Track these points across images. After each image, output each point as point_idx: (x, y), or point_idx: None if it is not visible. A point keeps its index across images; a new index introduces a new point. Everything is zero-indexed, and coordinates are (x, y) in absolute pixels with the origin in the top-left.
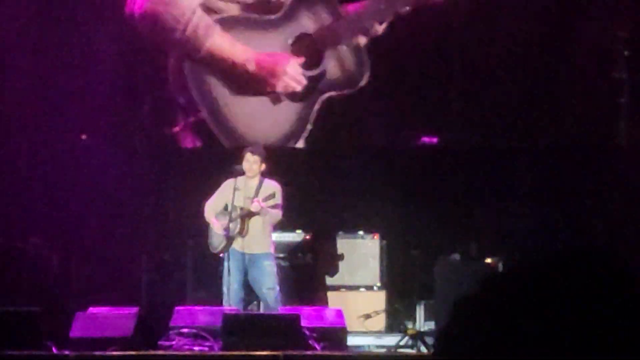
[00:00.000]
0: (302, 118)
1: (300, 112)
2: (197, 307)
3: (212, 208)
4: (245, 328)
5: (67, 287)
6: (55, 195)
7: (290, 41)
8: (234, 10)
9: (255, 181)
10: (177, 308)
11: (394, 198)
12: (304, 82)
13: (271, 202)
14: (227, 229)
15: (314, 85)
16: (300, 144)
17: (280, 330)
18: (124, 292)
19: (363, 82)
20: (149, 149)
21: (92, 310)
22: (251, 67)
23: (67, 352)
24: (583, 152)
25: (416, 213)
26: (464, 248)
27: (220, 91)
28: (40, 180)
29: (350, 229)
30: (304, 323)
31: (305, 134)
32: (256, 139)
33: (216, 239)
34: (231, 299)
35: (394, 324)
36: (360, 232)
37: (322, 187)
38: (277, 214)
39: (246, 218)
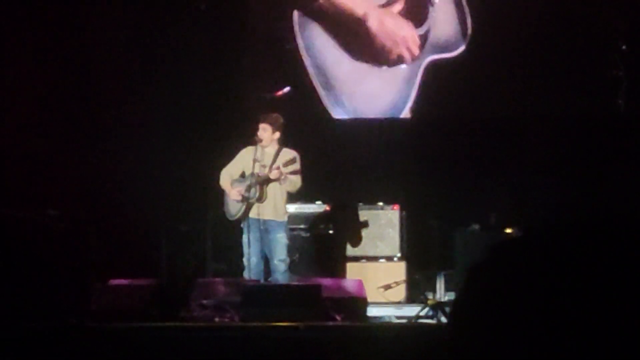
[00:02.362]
0: (408, 84)
1: (406, 78)
2: (217, 279)
3: (228, 175)
4: (266, 299)
5: (86, 259)
6: (72, 167)
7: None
8: None
9: (271, 149)
10: (197, 280)
11: (414, 169)
12: (418, 52)
13: (291, 168)
14: (244, 196)
15: (422, 46)
16: (405, 114)
17: (300, 301)
18: (144, 264)
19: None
20: (164, 119)
21: (111, 282)
22: (372, 23)
23: (87, 324)
24: (592, 122)
25: (436, 184)
26: (483, 218)
27: (330, 50)
28: (57, 151)
29: (370, 200)
30: (324, 294)
31: (410, 103)
32: (360, 106)
33: (232, 206)
34: (251, 271)
35: (414, 294)
36: (380, 203)
37: (342, 158)
38: (297, 180)
39: (264, 184)
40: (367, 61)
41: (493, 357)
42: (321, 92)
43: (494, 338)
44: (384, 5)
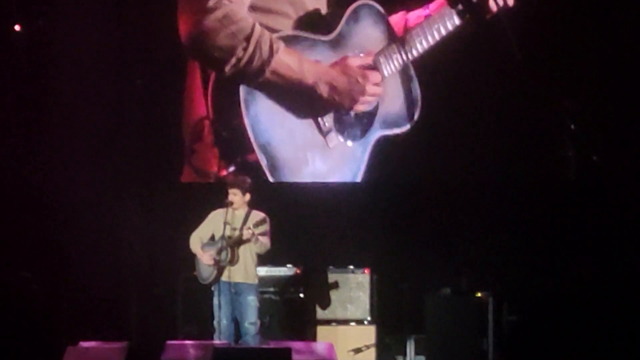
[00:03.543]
0: (356, 162)
1: (355, 156)
2: (188, 341)
3: (198, 238)
4: None
5: (58, 321)
6: (44, 229)
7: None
8: (286, 25)
9: (242, 212)
10: (168, 342)
11: (384, 232)
12: (380, 92)
13: (261, 228)
14: (215, 259)
15: (370, 121)
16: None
17: None
18: (115, 326)
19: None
20: (140, 181)
21: (82, 344)
22: (323, 89)
23: None
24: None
25: (406, 247)
26: (454, 282)
27: (275, 129)
28: (30, 213)
29: (341, 263)
30: (294, 357)
31: (358, 179)
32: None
33: (205, 270)
34: (222, 334)
35: (385, 358)
36: (351, 267)
37: (312, 221)
38: (267, 242)
39: (236, 246)
40: (319, 128)
41: None
42: (267, 172)
43: None
44: (336, 63)
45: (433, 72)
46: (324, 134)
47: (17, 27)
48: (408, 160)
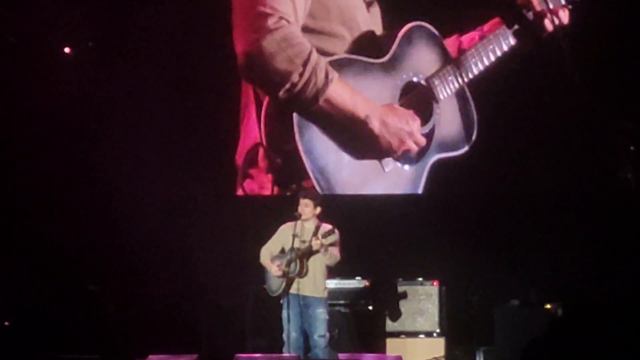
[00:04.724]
0: (413, 184)
1: (411, 178)
2: (257, 354)
3: (268, 251)
4: None
5: (126, 335)
6: (113, 242)
7: (398, 90)
8: (341, 48)
9: (311, 224)
10: (237, 355)
11: (452, 245)
12: (424, 142)
13: (331, 239)
14: (285, 271)
15: (426, 145)
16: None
17: None
18: (184, 339)
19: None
20: (208, 195)
21: (151, 357)
22: (374, 124)
23: None
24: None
25: (475, 260)
26: (523, 294)
27: (330, 154)
28: (98, 227)
29: (410, 275)
30: None
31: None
32: None
33: (274, 282)
34: (291, 347)
35: None
36: (420, 279)
37: (380, 233)
38: (336, 254)
39: (305, 258)
40: (371, 158)
41: None
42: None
43: None
44: (386, 104)
45: (488, 93)
46: (379, 158)
47: (67, 50)
48: (473, 174)
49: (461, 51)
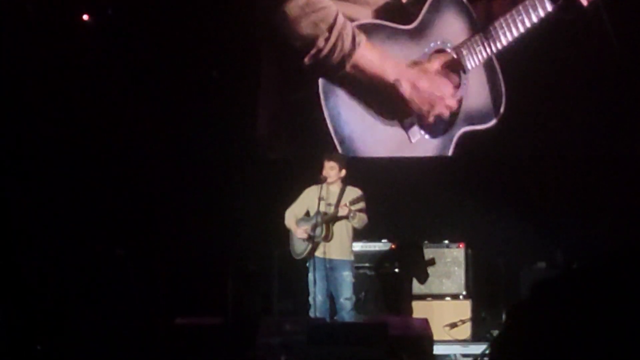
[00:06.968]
0: (440, 154)
1: (439, 149)
2: (283, 318)
3: (293, 214)
4: (331, 338)
5: (153, 298)
6: (139, 206)
7: (426, 58)
8: (366, 15)
9: (336, 187)
10: (263, 318)
11: (479, 207)
12: (455, 106)
13: (358, 205)
14: (310, 235)
15: (453, 117)
16: None
17: (366, 340)
18: (211, 302)
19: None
20: (234, 158)
21: (178, 320)
22: (405, 88)
23: None
24: None
25: (501, 222)
26: (549, 256)
27: (357, 122)
28: (124, 190)
29: (436, 238)
30: (390, 332)
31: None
32: None
33: (298, 245)
34: (317, 310)
35: (480, 332)
36: (446, 242)
37: (406, 196)
38: (364, 217)
39: (331, 222)
40: (400, 124)
41: None
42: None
43: None
44: (416, 63)
45: (519, 63)
46: (406, 128)
47: (85, 17)
48: (499, 143)
49: (491, 20)
